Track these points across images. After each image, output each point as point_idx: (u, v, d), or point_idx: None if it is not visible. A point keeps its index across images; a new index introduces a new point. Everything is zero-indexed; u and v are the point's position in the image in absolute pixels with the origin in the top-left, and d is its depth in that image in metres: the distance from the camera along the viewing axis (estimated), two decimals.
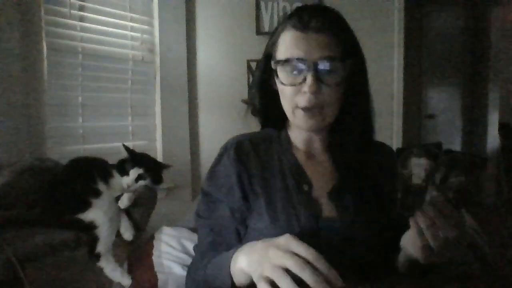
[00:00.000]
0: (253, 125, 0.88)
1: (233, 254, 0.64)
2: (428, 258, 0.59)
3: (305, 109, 0.70)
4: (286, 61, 0.70)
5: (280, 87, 0.74)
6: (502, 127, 4.00)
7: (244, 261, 0.59)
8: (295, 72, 0.70)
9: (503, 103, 4.04)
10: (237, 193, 0.75)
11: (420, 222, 0.56)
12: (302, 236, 0.69)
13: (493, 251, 0.95)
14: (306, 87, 0.68)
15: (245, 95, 0.88)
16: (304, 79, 0.69)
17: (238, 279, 0.62)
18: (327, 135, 0.80)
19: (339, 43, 0.70)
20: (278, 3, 2.28)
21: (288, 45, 0.71)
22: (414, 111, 3.97)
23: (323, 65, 0.68)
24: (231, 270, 0.63)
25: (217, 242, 0.76)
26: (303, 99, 0.70)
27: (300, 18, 0.71)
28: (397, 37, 2.56)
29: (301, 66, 0.69)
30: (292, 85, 0.70)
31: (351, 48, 0.73)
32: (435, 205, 0.56)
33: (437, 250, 0.57)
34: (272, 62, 0.73)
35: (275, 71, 0.73)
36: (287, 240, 0.55)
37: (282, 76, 0.72)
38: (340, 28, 0.72)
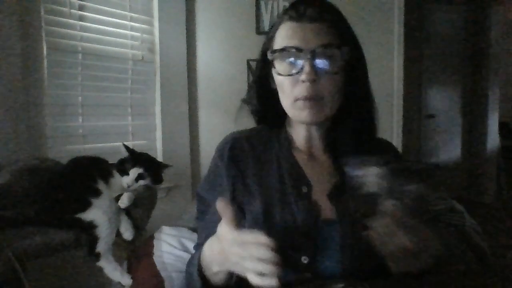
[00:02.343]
0: (251, 124, 0.88)
1: (200, 257, 0.69)
2: (394, 265, 0.57)
3: (304, 99, 0.69)
4: (283, 50, 0.70)
5: (278, 79, 0.73)
6: (502, 127, 4.00)
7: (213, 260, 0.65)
8: (292, 62, 0.70)
9: (503, 103, 4.04)
10: (228, 196, 0.75)
11: (377, 231, 0.55)
12: (300, 239, 0.69)
13: (493, 251, 0.95)
14: (303, 76, 0.68)
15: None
16: (302, 68, 0.68)
17: (215, 281, 0.67)
18: (327, 133, 0.79)
19: (335, 31, 0.70)
20: (278, 3, 2.28)
21: (284, 36, 0.71)
22: (414, 111, 3.97)
23: (320, 53, 0.68)
24: (202, 264, 0.68)
25: None
26: (301, 89, 0.69)
27: (295, 10, 0.71)
28: (397, 37, 2.56)
29: (298, 55, 0.69)
30: (290, 75, 0.70)
31: (347, 36, 0.73)
32: (391, 213, 0.55)
33: (399, 258, 0.56)
34: (269, 53, 0.73)
35: (272, 62, 0.72)
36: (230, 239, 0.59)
37: (279, 66, 0.71)
38: (335, 17, 0.73)
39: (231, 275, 0.65)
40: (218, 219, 0.73)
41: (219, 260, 0.63)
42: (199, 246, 0.77)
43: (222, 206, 0.60)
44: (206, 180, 0.81)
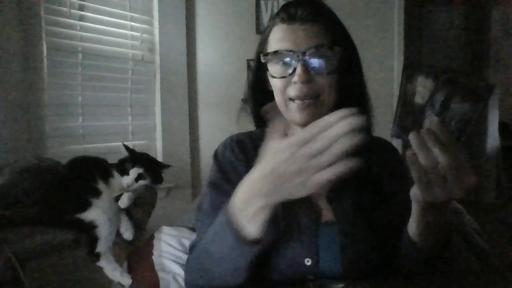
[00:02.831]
0: (249, 124, 0.87)
1: (227, 208, 0.58)
2: (423, 191, 0.53)
3: (297, 99, 0.69)
4: (275, 53, 0.70)
5: (271, 81, 0.74)
6: (502, 127, 4.00)
7: (254, 197, 0.53)
8: (284, 64, 0.70)
9: (503, 103, 4.04)
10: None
11: (414, 144, 0.51)
12: (302, 242, 0.69)
13: (493, 251, 0.95)
14: (296, 78, 0.68)
15: None
16: (294, 70, 0.68)
17: (250, 228, 0.55)
18: None
19: (328, 32, 0.70)
20: (278, 2, 2.28)
21: (276, 38, 0.72)
22: None
23: (312, 54, 0.68)
24: (235, 224, 0.56)
25: None
26: (294, 89, 0.69)
27: (287, 12, 0.71)
28: (397, 37, 2.56)
29: (290, 57, 0.69)
30: (283, 77, 0.70)
31: (340, 36, 0.73)
32: (432, 130, 0.50)
33: (431, 181, 0.51)
34: (261, 56, 0.73)
35: (266, 65, 0.72)
36: (278, 146, 0.51)
37: (273, 69, 0.72)
38: (327, 17, 0.72)
39: (271, 217, 0.55)
40: None
41: (266, 189, 0.52)
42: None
43: (270, 112, 0.54)
44: (219, 170, 0.78)
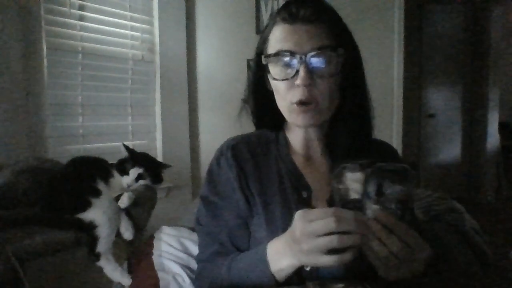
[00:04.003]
0: (250, 125, 0.87)
1: (264, 249, 0.65)
2: (384, 272, 0.57)
3: (300, 103, 0.68)
4: (276, 55, 0.68)
5: (273, 83, 0.72)
6: (502, 127, 4.00)
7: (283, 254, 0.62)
8: (286, 66, 0.68)
9: (503, 103, 4.04)
10: (239, 197, 0.73)
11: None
12: None
13: (493, 251, 0.95)
14: (299, 80, 0.66)
15: None
16: (297, 72, 0.66)
17: (277, 276, 0.63)
18: (325, 135, 0.78)
19: (330, 32, 0.68)
20: (278, 3, 2.28)
21: (277, 39, 0.70)
22: (414, 111, 3.97)
23: (315, 56, 0.66)
24: (268, 266, 0.63)
25: (223, 250, 0.73)
26: (296, 93, 0.68)
27: (288, 11, 0.69)
28: (397, 37, 2.56)
29: (292, 59, 0.67)
30: (285, 79, 0.68)
31: (343, 37, 0.71)
32: (377, 219, 0.54)
33: (388, 265, 0.55)
34: (263, 58, 0.71)
35: (267, 67, 0.71)
36: (299, 221, 0.57)
37: (274, 71, 0.70)
38: (330, 17, 0.71)
39: (296, 272, 0.63)
40: (235, 217, 0.73)
41: (292, 251, 0.59)
42: (222, 248, 0.74)
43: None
44: (211, 183, 0.78)
